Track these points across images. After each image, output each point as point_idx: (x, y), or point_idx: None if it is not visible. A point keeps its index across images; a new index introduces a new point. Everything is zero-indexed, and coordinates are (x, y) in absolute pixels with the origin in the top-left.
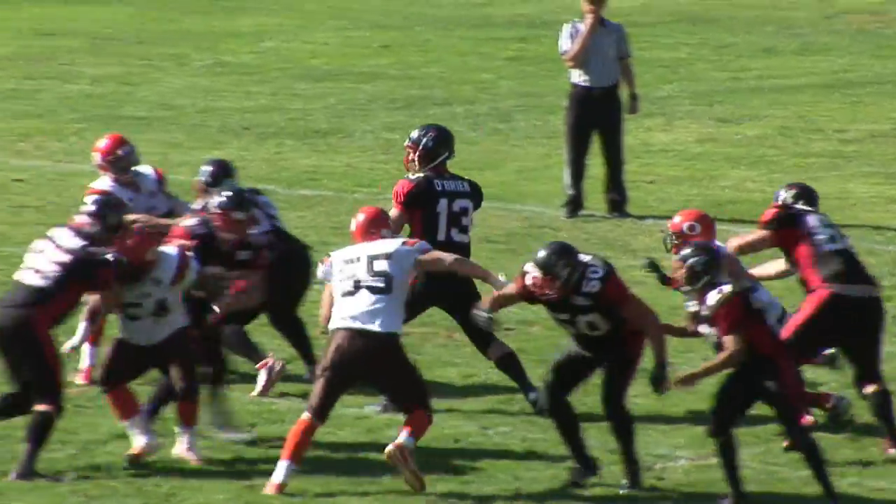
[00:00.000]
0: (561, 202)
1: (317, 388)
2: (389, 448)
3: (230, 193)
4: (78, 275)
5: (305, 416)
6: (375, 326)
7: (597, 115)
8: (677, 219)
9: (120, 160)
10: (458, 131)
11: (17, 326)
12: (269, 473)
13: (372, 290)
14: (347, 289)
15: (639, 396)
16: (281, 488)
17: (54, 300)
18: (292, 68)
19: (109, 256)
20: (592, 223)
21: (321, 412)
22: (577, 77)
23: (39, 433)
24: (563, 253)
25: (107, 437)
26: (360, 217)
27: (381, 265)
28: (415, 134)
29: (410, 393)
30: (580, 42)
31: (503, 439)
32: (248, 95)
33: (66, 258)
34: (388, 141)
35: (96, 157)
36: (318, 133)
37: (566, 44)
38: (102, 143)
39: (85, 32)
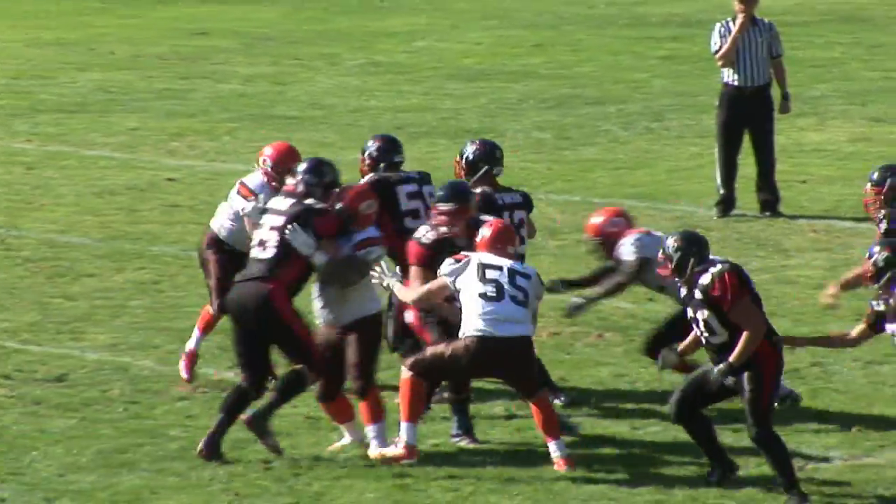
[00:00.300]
0: (713, 202)
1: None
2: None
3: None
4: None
5: (407, 374)
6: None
7: (748, 115)
8: (596, 220)
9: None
10: (609, 130)
11: (257, 302)
12: (421, 473)
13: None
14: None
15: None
16: (412, 449)
17: (285, 268)
18: (444, 68)
19: (326, 206)
20: (745, 223)
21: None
22: (728, 76)
23: (286, 391)
24: (685, 239)
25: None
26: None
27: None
28: (463, 147)
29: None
30: (731, 41)
31: (654, 439)
32: (400, 95)
33: (284, 220)
34: (539, 140)
35: (266, 162)
36: (470, 132)
37: (717, 43)
38: (273, 150)
39: (238, 32)
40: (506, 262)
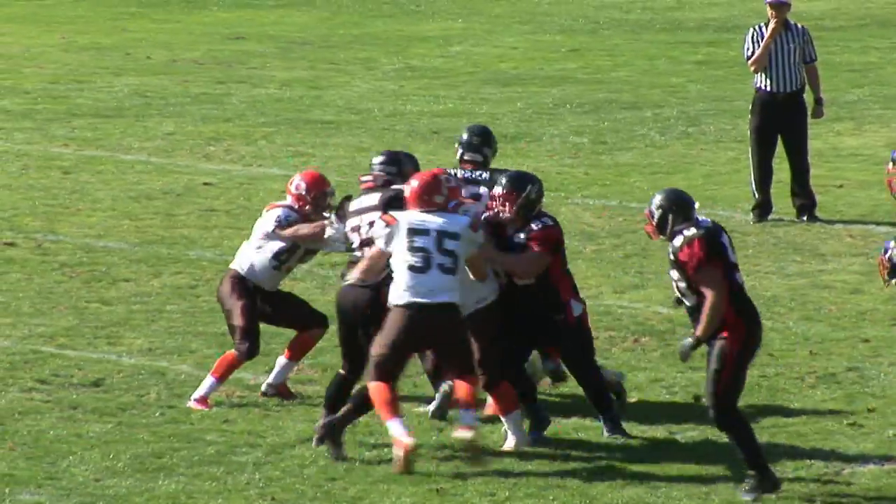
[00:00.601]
0: (749, 206)
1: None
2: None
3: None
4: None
5: (371, 384)
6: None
7: (780, 120)
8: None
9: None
10: (646, 135)
11: (368, 305)
12: (457, 477)
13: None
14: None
15: (827, 401)
16: (408, 446)
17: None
18: (480, 72)
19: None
20: (781, 227)
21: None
22: (761, 81)
23: (363, 402)
24: (667, 197)
25: (294, 440)
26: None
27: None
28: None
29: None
30: (763, 47)
31: (691, 443)
32: (437, 99)
33: (375, 214)
34: (575, 145)
35: (300, 187)
36: (506, 137)
37: (750, 48)
38: (307, 177)
39: (274, 36)
40: (434, 223)
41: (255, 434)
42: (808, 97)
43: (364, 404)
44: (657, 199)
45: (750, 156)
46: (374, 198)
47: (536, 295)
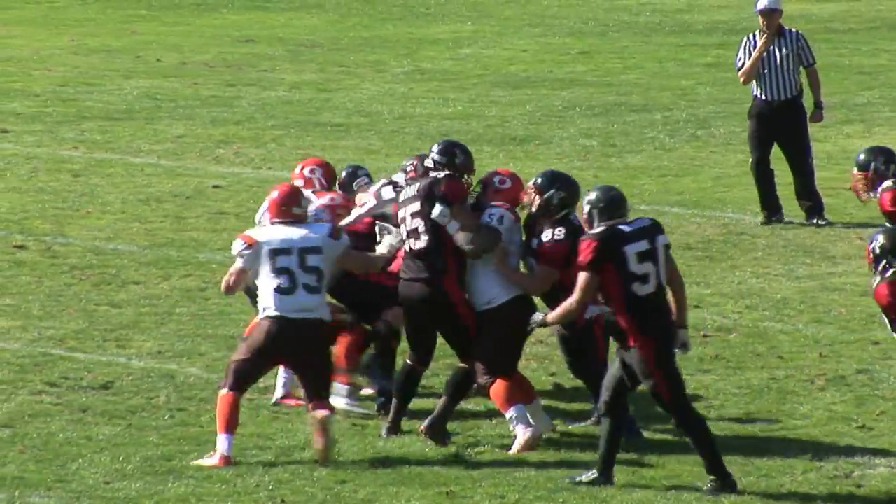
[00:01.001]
0: (759, 209)
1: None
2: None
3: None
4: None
5: (225, 392)
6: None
7: (778, 127)
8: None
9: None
10: (655, 137)
11: (433, 300)
12: (467, 480)
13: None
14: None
15: (837, 403)
16: (228, 460)
17: (447, 257)
18: (490, 75)
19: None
20: (791, 230)
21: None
22: (757, 90)
23: (456, 392)
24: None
25: (303, 442)
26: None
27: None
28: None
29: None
30: (752, 60)
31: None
32: (446, 102)
33: (418, 202)
34: (585, 147)
35: (315, 172)
36: (516, 140)
37: (741, 59)
38: (319, 163)
39: (284, 39)
40: (295, 241)
41: (265, 437)
42: (808, 101)
43: (457, 392)
44: (590, 194)
45: (750, 161)
46: (415, 188)
47: (552, 294)
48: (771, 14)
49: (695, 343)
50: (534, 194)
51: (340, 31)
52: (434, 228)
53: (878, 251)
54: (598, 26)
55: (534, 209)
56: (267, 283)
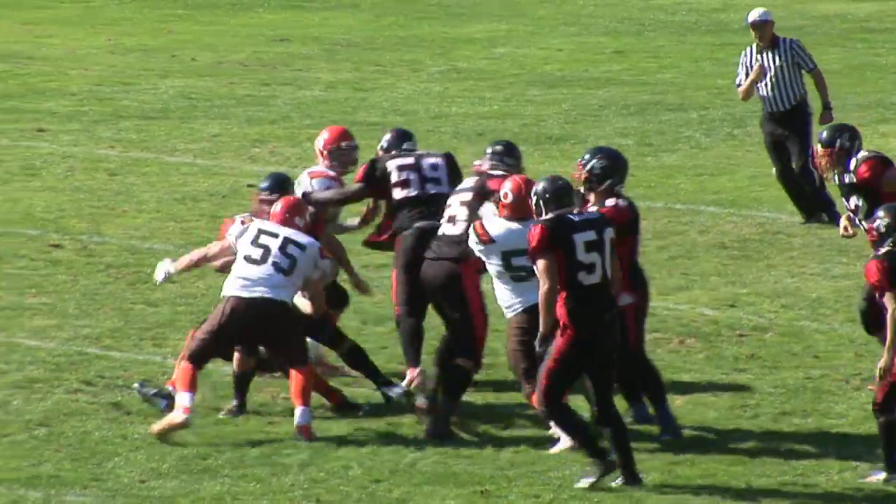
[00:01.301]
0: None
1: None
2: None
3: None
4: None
5: (185, 364)
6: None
7: (786, 132)
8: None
9: (341, 153)
10: (691, 137)
11: (446, 281)
12: (502, 479)
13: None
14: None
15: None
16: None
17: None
18: (525, 74)
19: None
20: (826, 229)
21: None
22: (761, 100)
23: (456, 388)
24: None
25: (338, 440)
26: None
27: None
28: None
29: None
30: (747, 84)
31: (738, 446)
32: (482, 101)
33: (470, 194)
34: (620, 146)
35: (318, 145)
36: (551, 139)
37: (739, 74)
38: (326, 133)
39: (320, 38)
40: (286, 231)
41: (299, 435)
42: (815, 103)
43: (455, 386)
44: (538, 185)
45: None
46: (472, 181)
47: None
48: (763, 26)
49: (731, 342)
50: (580, 170)
51: (376, 31)
52: (472, 221)
53: (882, 229)
54: (634, 25)
55: (581, 188)
56: (240, 254)
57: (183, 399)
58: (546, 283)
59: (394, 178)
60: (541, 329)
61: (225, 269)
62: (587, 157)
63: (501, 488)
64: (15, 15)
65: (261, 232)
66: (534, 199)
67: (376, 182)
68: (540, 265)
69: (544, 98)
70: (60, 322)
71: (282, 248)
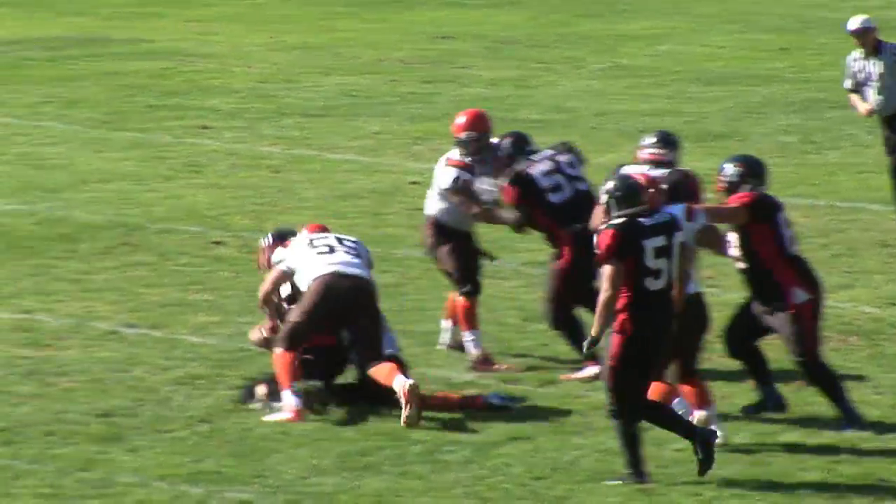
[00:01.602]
0: None
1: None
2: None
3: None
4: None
5: (278, 350)
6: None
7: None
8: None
9: (467, 143)
10: (854, 134)
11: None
12: (664, 477)
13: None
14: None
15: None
16: (301, 414)
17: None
18: (687, 71)
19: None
20: None
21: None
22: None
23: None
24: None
25: (502, 438)
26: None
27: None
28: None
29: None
30: (862, 111)
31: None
32: (644, 98)
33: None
34: (783, 144)
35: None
36: (714, 136)
37: (849, 79)
38: (459, 119)
39: (481, 36)
40: (330, 234)
41: (461, 432)
42: None
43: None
44: (608, 183)
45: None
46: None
47: (753, 279)
48: (864, 33)
49: (893, 341)
50: (722, 181)
51: (538, 28)
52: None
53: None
54: (797, 23)
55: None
56: (307, 257)
57: (289, 399)
58: (609, 290)
59: (543, 184)
60: (592, 331)
61: (269, 345)
62: (723, 165)
63: (662, 486)
64: (180, 13)
65: (311, 239)
66: (604, 197)
67: (529, 198)
68: (606, 270)
69: (706, 95)
70: (223, 319)
71: (339, 241)
